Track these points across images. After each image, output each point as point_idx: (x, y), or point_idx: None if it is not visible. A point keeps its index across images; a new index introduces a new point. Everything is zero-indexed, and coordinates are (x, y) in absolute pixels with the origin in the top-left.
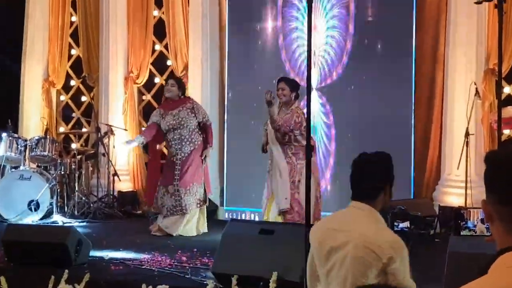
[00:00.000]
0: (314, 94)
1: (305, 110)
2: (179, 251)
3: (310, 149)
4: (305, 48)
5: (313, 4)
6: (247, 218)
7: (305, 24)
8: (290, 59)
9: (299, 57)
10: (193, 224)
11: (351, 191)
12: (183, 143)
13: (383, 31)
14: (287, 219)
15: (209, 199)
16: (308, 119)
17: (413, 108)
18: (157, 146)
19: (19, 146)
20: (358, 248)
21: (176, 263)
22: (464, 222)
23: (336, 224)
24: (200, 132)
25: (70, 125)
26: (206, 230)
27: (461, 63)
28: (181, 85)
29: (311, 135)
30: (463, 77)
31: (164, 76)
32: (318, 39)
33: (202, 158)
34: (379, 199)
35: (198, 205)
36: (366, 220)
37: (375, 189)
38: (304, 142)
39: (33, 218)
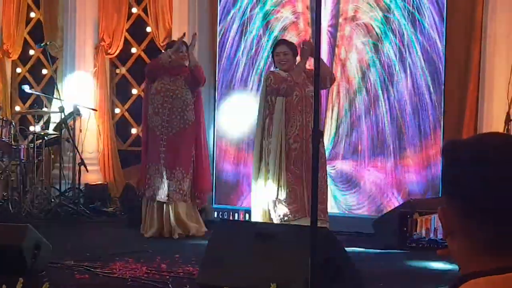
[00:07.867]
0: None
1: None
2: (158, 257)
3: (319, 135)
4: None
5: None
6: (241, 219)
7: None
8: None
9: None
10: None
11: None
12: (173, 116)
13: None
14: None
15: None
16: (315, 98)
17: (443, 88)
18: None
19: None
20: None
21: (154, 272)
22: None
23: None
24: (193, 111)
25: (27, 104)
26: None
27: (502, 33)
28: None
29: None
30: (504, 51)
31: (142, 46)
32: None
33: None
34: None
35: (182, 199)
36: None
37: None
38: None
39: None
